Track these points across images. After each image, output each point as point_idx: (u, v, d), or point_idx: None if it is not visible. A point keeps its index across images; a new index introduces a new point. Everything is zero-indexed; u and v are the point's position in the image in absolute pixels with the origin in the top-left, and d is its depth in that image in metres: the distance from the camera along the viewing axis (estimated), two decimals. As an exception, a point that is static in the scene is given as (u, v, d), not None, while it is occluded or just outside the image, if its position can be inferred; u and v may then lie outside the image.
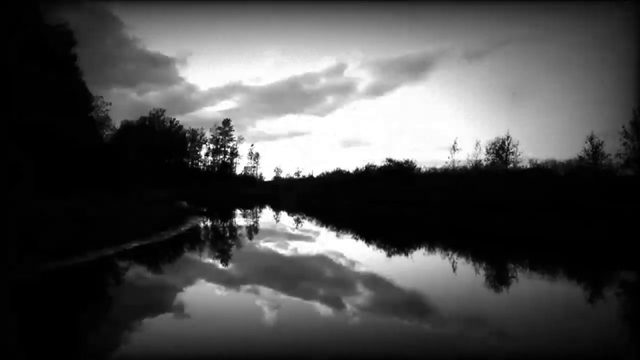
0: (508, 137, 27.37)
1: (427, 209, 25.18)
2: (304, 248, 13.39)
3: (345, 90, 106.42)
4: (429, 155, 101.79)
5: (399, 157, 34.24)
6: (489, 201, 21.64)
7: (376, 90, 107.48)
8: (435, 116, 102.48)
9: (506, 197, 21.13)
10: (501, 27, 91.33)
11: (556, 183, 20.72)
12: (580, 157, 21.55)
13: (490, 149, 25.75)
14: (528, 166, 25.01)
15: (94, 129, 35.88)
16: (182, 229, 15.66)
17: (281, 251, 12.56)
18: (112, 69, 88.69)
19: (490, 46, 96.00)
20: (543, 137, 70.89)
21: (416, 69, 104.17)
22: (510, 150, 25.14)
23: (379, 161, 38.16)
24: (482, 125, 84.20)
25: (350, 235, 18.09)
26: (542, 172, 22.29)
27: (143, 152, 57.91)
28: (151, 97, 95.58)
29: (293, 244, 14.27)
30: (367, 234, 18.87)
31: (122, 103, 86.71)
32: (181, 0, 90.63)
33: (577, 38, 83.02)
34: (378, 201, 30.45)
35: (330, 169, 54.01)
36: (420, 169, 32.15)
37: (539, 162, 23.42)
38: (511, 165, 25.37)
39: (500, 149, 25.38)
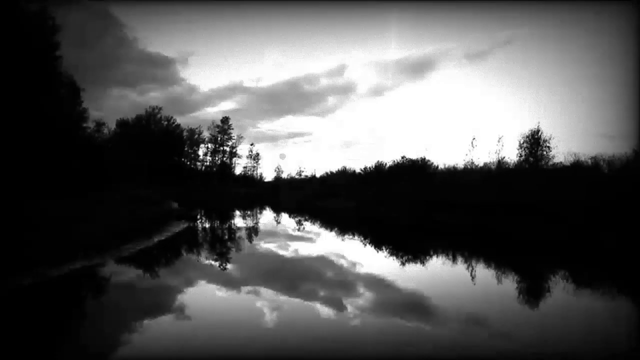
0: (538, 130, 24.02)
1: (449, 210, 21.94)
2: (318, 279, 10.13)
3: (346, 90, 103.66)
4: (432, 155, 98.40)
5: (394, 157, 31.15)
6: (523, 202, 18.40)
7: (377, 91, 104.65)
8: (437, 116, 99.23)
9: (544, 197, 17.87)
10: (502, 27, 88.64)
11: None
12: (636, 151, 18.21)
13: (523, 142, 22.40)
14: (562, 162, 21.62)
15: (75, 125, 32.98)
16: (156, 239, 12.37)
17: (289, 290, 8.28)
18: (113, 70, 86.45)
19: (491, 46, 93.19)
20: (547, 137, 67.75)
21: (417, 69, 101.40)
22: (546, 145, 21.78)
23: (389, 159, 34.85)
24: (485, 125, 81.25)
25: (373, 250, 14.87)
26: (586, 170, 18.98)
27: (138, 151, 55.01)
28: (152, 98, 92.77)
29: (304, 270, 11.00)
30: (390, 246, 15.61)
31: (123, 104, 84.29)
32: (182, 1, 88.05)
33: (578, 37, 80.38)
34: (390, 202, 27.21)
35: (333, 168, 50.73)
36: (437, 166, 28.77)
37: (581, 158, 19.94)
38: (542, 162, 22.06)
39: (535, 143, 21.97)
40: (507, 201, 18.72)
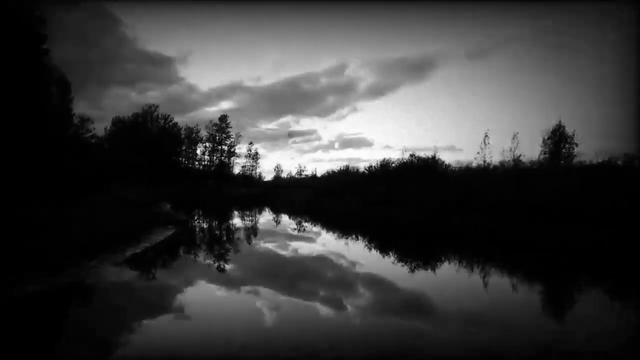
0: (560, 126, 22.03)
1: (465, 212, 19.95)
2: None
3: (346, 90, 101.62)
4: (439, 154, 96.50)
5: (400, 156, 29.40)
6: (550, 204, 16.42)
7: (377, 90, 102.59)
8: (438, 116, 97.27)
9: (579, 200, 15.89)
10: (502, 26, 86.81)
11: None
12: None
13: (548, 138, 20.39)
14: (591, 160, 19.60)
15: (68, 122, 31.18)
16: (129, 253, 10.39)
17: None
18: (112, 69, 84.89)
19: (492, 45, 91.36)
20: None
21: (417, 68, 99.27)
22: (574, 142, 19.84)
23: (395, 158, 32.88)
24: (487, 124, 79.71)
25: (377, 253, 12.91)
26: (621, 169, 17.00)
27: (134, 149, 53.18)
28: (151, 97, 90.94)
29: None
30: (395, 249, 13.62)
31: (122, 103, 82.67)
32: (182, 0, 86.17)
33: (578, 37, 78.60)
34: (398, 202, 25.23)
35: (336, 168, 48.74)
36: (449, 165, 26.81)
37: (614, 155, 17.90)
38: (569, 159, 20.08)
39: (560, 140, 19.99)
40: (532, 202, 16.74)
